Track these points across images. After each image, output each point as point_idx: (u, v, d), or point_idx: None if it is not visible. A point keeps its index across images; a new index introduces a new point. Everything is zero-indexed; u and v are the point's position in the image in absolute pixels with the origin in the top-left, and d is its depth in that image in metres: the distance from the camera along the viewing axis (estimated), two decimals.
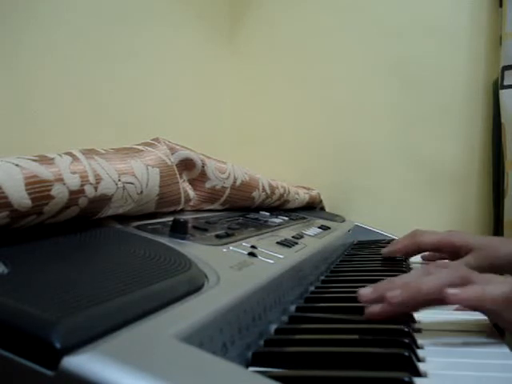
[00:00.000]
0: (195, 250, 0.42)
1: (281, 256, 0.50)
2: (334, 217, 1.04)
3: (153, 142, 0.60)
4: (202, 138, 1.06)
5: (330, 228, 0.85)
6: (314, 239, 0.69)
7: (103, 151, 0.48)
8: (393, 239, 0.99)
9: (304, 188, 1.05)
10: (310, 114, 1.20)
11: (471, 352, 0.38)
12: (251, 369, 0.33)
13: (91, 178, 0.42)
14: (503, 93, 0.96)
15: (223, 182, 0.69)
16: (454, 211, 1.07)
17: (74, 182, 0.40)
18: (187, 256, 0.39)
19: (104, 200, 0.44)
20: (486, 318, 0.45)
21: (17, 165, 0.36)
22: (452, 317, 0.47)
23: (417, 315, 0.47)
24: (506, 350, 0.38)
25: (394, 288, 0.39)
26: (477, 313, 0.42)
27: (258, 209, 0.82)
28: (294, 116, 1.22)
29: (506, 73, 0.95)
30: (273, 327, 0.41)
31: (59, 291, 0.26)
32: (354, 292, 0.55)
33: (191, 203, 0.66)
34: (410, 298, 0.38)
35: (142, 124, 0.88)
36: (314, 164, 1.19)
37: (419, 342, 0.39)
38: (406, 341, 0.36)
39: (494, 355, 0.37)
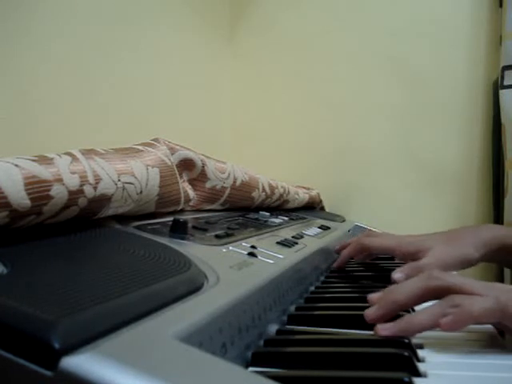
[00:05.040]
0: (195, 250, 0.42)
1: (281, 256, 0.50)
2: (334, 217, 1.04)
3: (152, 142, 0.60)
4: (201, 138, 1.06)
5: (329, 228, 0.85)
6: (313, 239, 0.69)
7: (103, 151, 0.48)
8: None
9: (304, 188, 1.06)
10: (310, 114, 1.20)
11: (471, 352, 0.38)
12: (251, 369, 0.33)
13: (90, 178, 0.42)
14: (503, 93, 0.96)
15: (223, 182, 0.69)
16: (454, 211, 1.07)
17: (73, 182, 0.40)
18: (187, 256, 0.39)
19: (103, 200, 0.44)
20: None
21: (16, 165, 0.36)
22: None
23: None
24: (505, 350, 0.38)
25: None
26: None
27: (257, 209, 0.82)
28: (294, 116, 1.22)
29: (506, 73, 0.95)
30: (272, 327, 0.41)
31: (59, 291, 0.26)
32: (354, 292, 0.55)
33: (191, 203, 0.66)
34: (401, 331, 0.38)
35: (142, 124, 0.88)
36: (314, 164, 1.19)
37: (419, 342, 0.39)
38: (406, 341, 0.36)
39: (493, 355, 0.37)
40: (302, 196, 0.99)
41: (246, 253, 0.47)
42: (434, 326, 0.37)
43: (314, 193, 1.07)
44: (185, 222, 0.48)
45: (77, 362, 0.21)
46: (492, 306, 0.37)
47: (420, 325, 0.38)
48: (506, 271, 0.97)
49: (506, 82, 0.96)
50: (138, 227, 0.48)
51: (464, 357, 0.36)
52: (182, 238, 0.46)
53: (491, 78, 1.03)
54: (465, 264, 0.59)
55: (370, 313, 0.41)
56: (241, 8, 1.26)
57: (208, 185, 0.67)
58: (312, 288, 0.57)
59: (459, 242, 0.60)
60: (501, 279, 0.99)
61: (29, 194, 0.36)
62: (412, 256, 0.61)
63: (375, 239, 0.65)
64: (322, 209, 1.15)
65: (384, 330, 0.38)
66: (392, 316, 0.41)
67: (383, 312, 0.41)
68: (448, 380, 0.32)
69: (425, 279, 0.42)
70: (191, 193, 0.66)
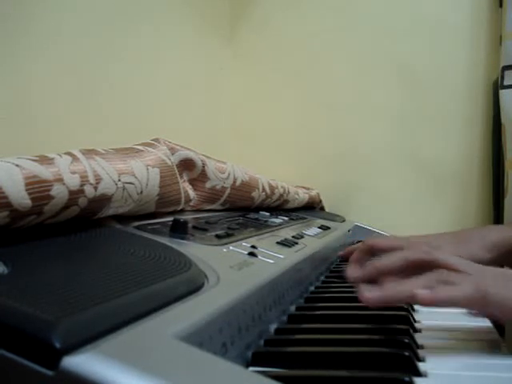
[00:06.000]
0: (195, 250, 0.42)
1: (281, 256, 0.50)
2: (334, 217, 1.04)
3: (153, 142, 0.60)
4: (202, 138, 1.06)
5: (329, 228, 0.85)
6: (313, 239, 0.69)
7: (103, 151, 0.48)
8: None
9: (304, 188, 1.06)
10: (311, 114, 1.20)
11: (471, 352, 0.38)
12: (251, 369, 0.33)
13: (91, 178, 0.42)
14: (503, 93, 0.96)
15: (223, 182, 0.69)
16: (454, 211, 1.07)
17: (73, 182, 0.40)
18: (187, 256, 0.39)
19: (104, 200, 0.44)
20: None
21: (17, 165, 0.36)
22: (452, 317, 0.47)
23: (417, 316, 0.47)
24: (505, 350, 0.38)
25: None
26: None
27: (257, 209, 0.82)
28: (294, 116, 1.22)
29: (506, 73, 0.95)
30: (273, 327, 0.41)
31: (59, 291, 0.26)
32: (354, 292, 0.55)
33: (191, 203, 0.66)
34: (387, 296, 0.37)
35: (142, 124, 0.88)
36: (314, 164, 1.19)
37: (419, 341, 0.39)
38: (406, 340, 0.36)
39: (493, 355, 0.37)
40: (302, 196, 0.99)
41: (246, 253, 0.47)
42: (416, 295, 0.36)
43: (313, 193, 1.07)
44: (185, 222, 0.48)
45: (78, 362, 0.21)
46: (473, 293, 0.36)
47: (407, 291, 0.36)
48: None
49: (506, 82, 0.96)
50: (138, 227, 0.48)
51: (464, 357, 0.36)
52: (182, 238, 0.46)
53: (491, 78, 1.03)
54: None
55: (349, 271, 0.41)
56: (241, 8, 1.26)
57: (208, 185, 0.68)
58: (312, 288, 0.57)
59: (468, 243, 0.60)
60: None
61: (29, 193, 0.36)
62: None
63: (383, 240, 0.65)
64: (322, 209, 1.15)
65: (367, 291, 0.37)
66: (370, 278, 0.40)
67: (362, 273, 0.40)
68: (448, 380, 0.32)
69: (409, 251, 0.41)
70: (191, 193, 0.66)
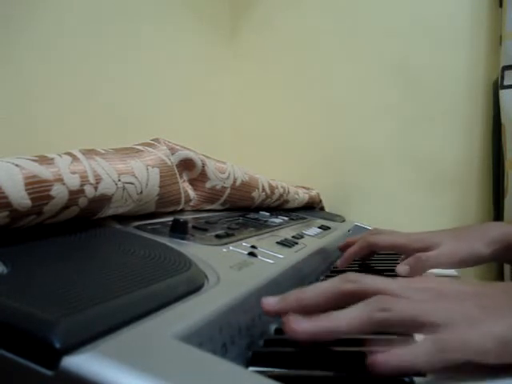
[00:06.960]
0: (195, 250, 0.42)
1: (281, 256, 0.50)
2: (334, 217, 1.04)
3: (153, 142, 0.60)
4: (202, 138, 1.06)
5: (330, 228, 0.85)
6: (313, 239, 0.69)
7: (103, 151, 0.48)
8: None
9: (304, 188, 1.06)
10: (311, 114, 1.20)
11: None
12: (251, 369, 0.33)
13: (91, 178, 0.42)
14: (503, 93, 0.96)
15: (223, 182, 0.69)
16: (454, 211, 1.07)
17: (73, 182, 0.40)
18: (187, 256, 0.39)
19: (104, 200, 0.44)
20: None
21: (17, 165, 0.36)
22: None
23: None
24: None
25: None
26: None
27: (257, 209, 0.82)
28: (294, 116, 1.22)
29: (506, 73, 0.96)
30: (273, 327, 0.41)
31: (59, 291, 0.26)
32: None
33: (191, 203, 0.66)
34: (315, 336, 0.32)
35: (142, 124, 0.88)
36: (314, 164, 1.19)
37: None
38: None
39: None
40: (302, 196, 0.99)
41: (246, 253, 0.47)
42: (358, 330, 0.32)
43: (313, 193, 1.07)
44: (185, 222, 0.48)
45: (77, 362, 0.21)
46: (427, 354, 0.30)
47: (342, 328, 0.32)
48: (506, 269, 0.97)
49: (506, 82, 0.96)
50: (138, 227, 0.48)
51: None
52: (182, 238, 0.46)
53: (491, 78, 1.03)
54: (475, 260, 0.59)
55: (270, 301, 0.35)
56: (241, 8, 1.27)
57: (208, 185, 0.68)
58: None
59: (469, 238, 0.60)
60: (501, 278, 0.99)
61: (29, 193, 0.36)
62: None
63: (383, 236, 0.65)
64: (322, 209, 1.15)
65: (296, 323, 0.32)
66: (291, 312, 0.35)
67: (283, 306, 0.35)
68: (448, 380, 0.32)
69: (338, 281, 0.36)
70: (191, 193, 0.66)
